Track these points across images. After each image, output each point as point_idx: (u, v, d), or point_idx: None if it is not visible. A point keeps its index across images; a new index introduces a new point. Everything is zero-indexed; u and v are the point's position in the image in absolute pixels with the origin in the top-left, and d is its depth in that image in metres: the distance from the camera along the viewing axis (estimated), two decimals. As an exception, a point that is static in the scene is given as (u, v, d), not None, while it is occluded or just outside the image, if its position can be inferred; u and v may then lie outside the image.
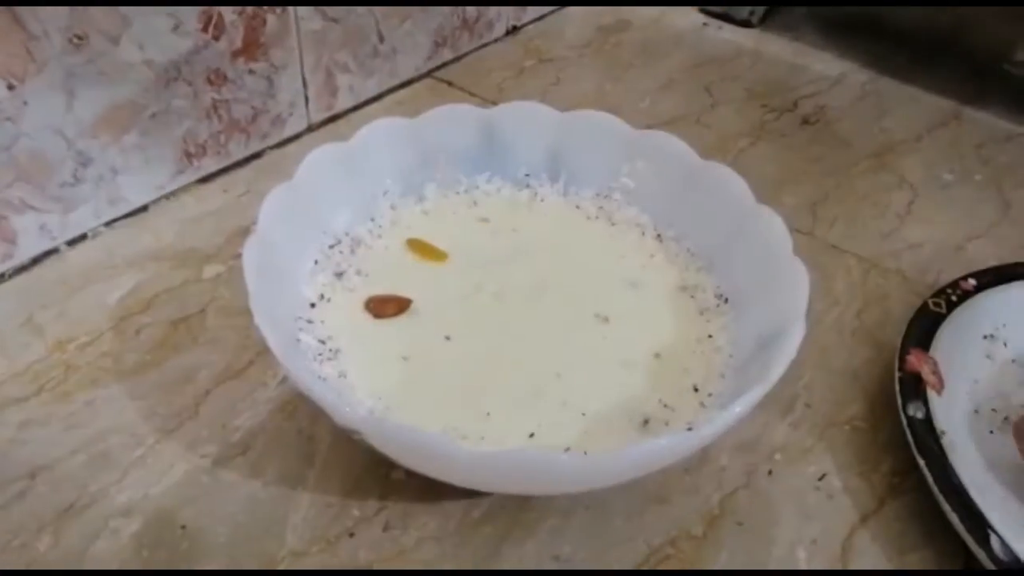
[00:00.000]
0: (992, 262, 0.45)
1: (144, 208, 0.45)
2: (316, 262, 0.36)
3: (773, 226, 0.35)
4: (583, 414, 0.31)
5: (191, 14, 0.42)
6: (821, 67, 0.64)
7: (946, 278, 0.44)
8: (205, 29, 0.43)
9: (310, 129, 0.53)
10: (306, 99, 0.52)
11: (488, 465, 0.25)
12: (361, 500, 0.32)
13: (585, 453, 0.29)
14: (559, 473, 0.25)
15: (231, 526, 0.31)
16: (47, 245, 0.42)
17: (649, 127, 0.41)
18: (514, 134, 0.41)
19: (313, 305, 0.34)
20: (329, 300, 0.35)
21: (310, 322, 0.33)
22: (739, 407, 0.26)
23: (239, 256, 0.31)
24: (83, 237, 0.43)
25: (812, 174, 0.53)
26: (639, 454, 0.25)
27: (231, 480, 0.32)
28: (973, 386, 0.38)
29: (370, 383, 0.31)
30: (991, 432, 0.36)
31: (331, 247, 0.37)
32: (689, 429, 0.30)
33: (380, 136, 0.39)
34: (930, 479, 0.32)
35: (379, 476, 0.32)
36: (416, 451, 0.26)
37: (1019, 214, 0.51)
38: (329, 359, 0.32)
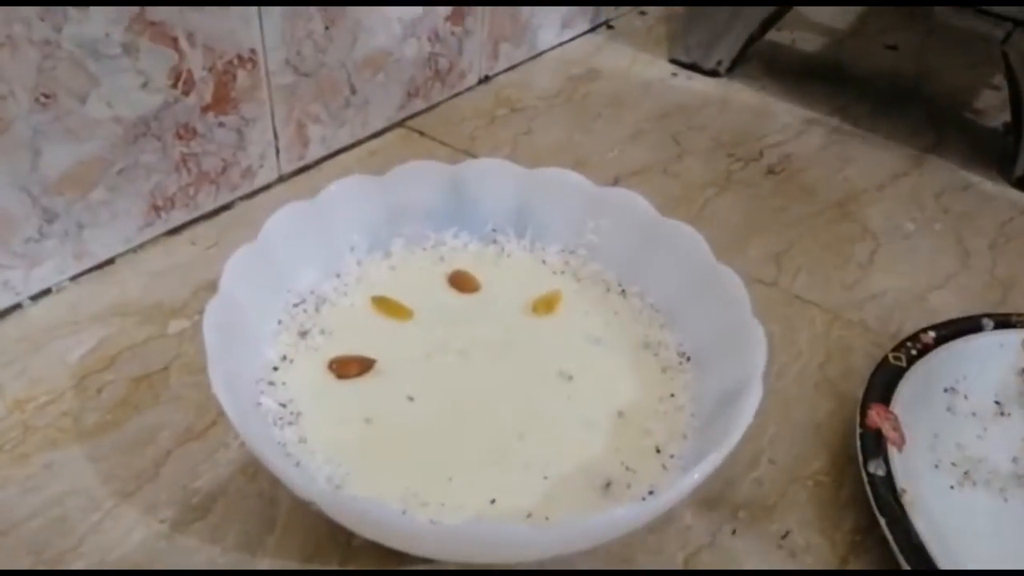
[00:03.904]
0: (953, 312, 0.46)
1: (111, 261, 0.45)
2: (280, 322, 0.36)
3: (732, 285, 0.35)
4: (545, 477, 0.31)
5: (160, 71, 0.43)
6: (786, 116, 0.66)
7: (908, 328, 0.45)
8: (175, 85, 0.44)
9: (281, 180, 0.53)
10: (277, 151, 0.52)
11: (445, 538, 0.24)
12: (321, 567, 0.32)
13: (547, 518, 0.29)
14: (517, 545, 0.25)
15: (189, 594, 0.31)
16: (10, 301, 0.42)
17: (617, 177, 0.41)
18: (481, 190, 0.41)
19: (276, 368, 0.34)
20: (292, 361, 0.35)
21: (272, 384, 0.33)
22: (697, 474, 0.26)
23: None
24: (47, 292, 0.43)
25: (777, 224, 0.53)
26: (598, 525, 0.25)
27: (189, 546, 0.32)
28: (933, 440, 0.38)
29: (330, 448, 0.31)
30: (951, 487, 0.37)
31: (295, 306, 0.37)
32: (651, 493, 0.30)
33: (347, 193, 0.39)
34: (891, 539, 0.32)
35: (340, 542, 0.32)
36: (371, 524, 0.26)
37: (978, 263, 0.52)
38: (290, 423, 0.32)
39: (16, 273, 0.41)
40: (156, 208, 0.46)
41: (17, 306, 0.42)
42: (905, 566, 0.31)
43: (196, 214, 0.49)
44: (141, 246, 0.46)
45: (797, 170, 0.59)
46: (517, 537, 0.25)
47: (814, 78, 0.72)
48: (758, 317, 0.34)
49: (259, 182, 0.52)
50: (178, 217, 0.48)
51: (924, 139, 0.64)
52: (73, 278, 0.44)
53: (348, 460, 0.31)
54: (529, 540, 0.25)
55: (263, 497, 0.34)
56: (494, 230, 0.42)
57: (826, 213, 0.55)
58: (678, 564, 0.33)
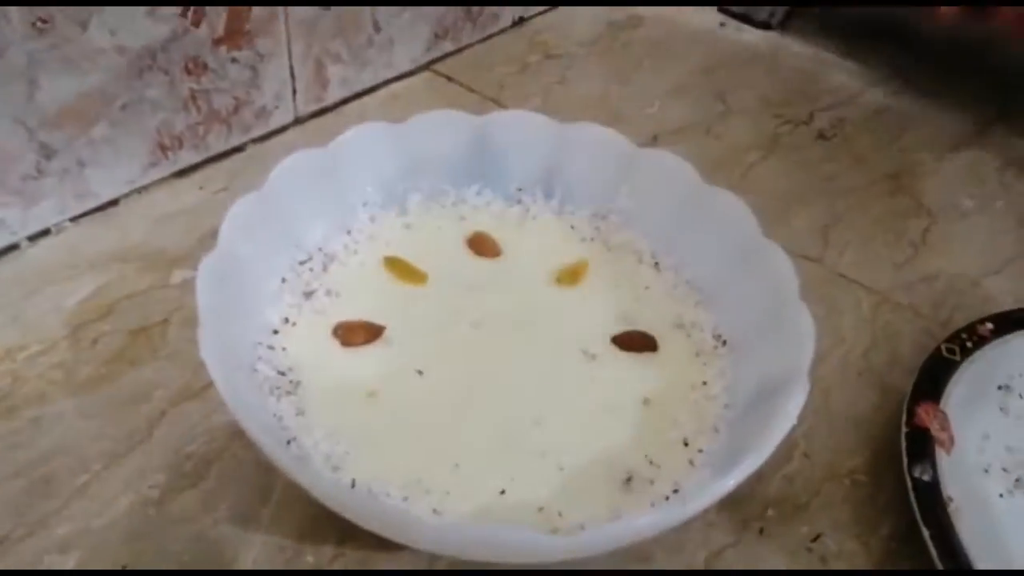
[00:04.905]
0: (1009, 300, 0.43)
1: (114, 203, 0.43)
2: (283, 280, 0.33)
3: (779, 263, 0.32)
4: (560, 468, 0.28)
5: (168, -2, 0.39)
6: (841, 77, 0.61)
7: (961, 315, 0.42)
8: (184, 14, 0.41)
9: (297, 122, 0.50)
10: (294, 91, 0.49)
11: (444, 538, 0.22)
12: (317, 544, 0.30)
13: (560, 514, 0.27)
14: (524, 551, 0.23)
15: (175, 567, 0.29)
16: (6, 240, 0.39)
17: (656, 135, 0.38)
18: (508, 144, 0.38)
19: (276, 332, 0.31)
20: (294, 324, 0.32)
21: (271, 348, 0.31)
22: (731, 480, 0.24)
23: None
24: (46, 232, 0.41)
25: (825, 195, 0.50)
26: (614, 533, 0.23)
27: (180, 515, 0.30)
28: (983, 442, 0.35)
29: (330, 423, 0.29)
30: (1000, 495, 0.34)
31: (301, 263, 0.34)
32: (675, 491, 0.28)
33: (362, 142, 0.36)
34: (935, 554, 0.29)
35: (338, 517, 0.30)
36: (367, 516, 0.23)
37: (1041, 248, 0.48)
38: (288, 393, 0.29)
39: (12, 212, 0.39)
40: (162, 148, 0.44)
41: (14, 247, 0.40)
42: (949, 585, 0.28)
43: (205, 156, 0.46)
44: (146, 188, 0.44)
45: (850, 136, 0.55)
46: (524, 544, 0.22)
47: (872, 36, 0.66)
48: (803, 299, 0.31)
49: (274, 124, 0.49)
50: (186, 158, 0.45)
51: (989, 108, 0.59)
52: (74, 219, 0.41)
53: (348, 438, 0.28)
54: (536, 547, 0.22)
55: (259, 465, 0.32)
56: (520, 189, 0.39)
57: (878, 185, 0.51)
58: (699, 564, 0.31)
